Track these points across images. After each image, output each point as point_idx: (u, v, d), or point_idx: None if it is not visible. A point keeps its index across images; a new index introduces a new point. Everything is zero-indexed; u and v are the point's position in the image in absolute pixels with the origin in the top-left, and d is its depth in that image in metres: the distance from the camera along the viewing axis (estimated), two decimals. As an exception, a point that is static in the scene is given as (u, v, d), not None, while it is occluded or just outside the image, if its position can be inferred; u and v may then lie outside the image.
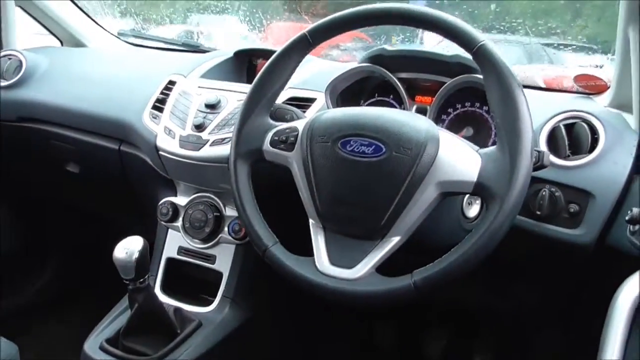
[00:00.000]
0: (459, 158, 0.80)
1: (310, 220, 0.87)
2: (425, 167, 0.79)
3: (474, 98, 1.13)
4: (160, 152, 1.20)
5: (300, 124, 0.91)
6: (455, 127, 1.14)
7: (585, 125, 1.00)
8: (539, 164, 0.80)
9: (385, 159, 0.80)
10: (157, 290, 1.24)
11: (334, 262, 0.83)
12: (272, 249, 0.86)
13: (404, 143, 0.80)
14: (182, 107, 1.23)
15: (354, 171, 0.82)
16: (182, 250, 1.26)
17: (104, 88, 1.47)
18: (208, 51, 1.59)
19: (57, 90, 1.51)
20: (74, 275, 1.97)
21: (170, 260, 1.26)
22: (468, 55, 0.85)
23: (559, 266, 1.07)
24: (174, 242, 1.26)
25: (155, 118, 1.27)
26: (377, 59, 1.16)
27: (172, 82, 1.33)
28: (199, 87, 1.28)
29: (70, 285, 1.96)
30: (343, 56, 8.05)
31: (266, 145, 0.92)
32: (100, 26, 1.89)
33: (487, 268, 0.77)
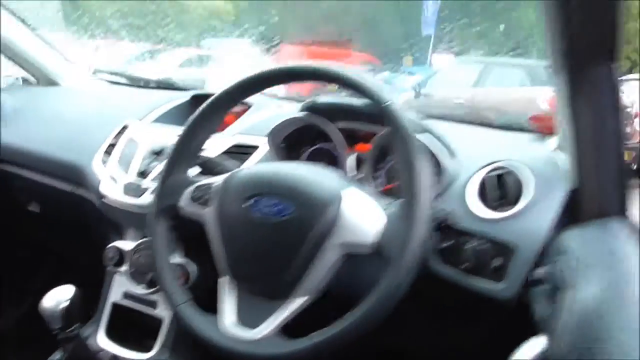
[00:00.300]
0: (361, 218, 0.79)
1: (221, 278, 0.87)
2: (327, 228, 0.79)
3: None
4: (104, 199, 1.22)
5: (218, 180, 0.92)
6: (391, 176, 1.14)
7: (516, 175, 0.99)
8: (444, 224, 0.79)
9: (290, 219, 0.80)
10: (102, 336, 1.24)
11: (241, 321, 0.83)
12: (181, 307, 0.87)
13: (309, 202, 0.80)
14: (128, 153, 1.25)
15: (261, 231, 0.82)
16: (126, 295, 1.26)
17: (65, 129, 1.49)
18: (184, 89, 1.61)
19: (20, 131, 1.55)
20: (23, 319, 1.92)
21: (115, 306, 1.27)
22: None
23: (483, 317, 1.06)
24: (120, 287, 1.27)
25: (104, 163, 1.29)
26: (315, 108, 1.16)
27: (125, 127, 1.35)
28: (148, 132, 1.30)
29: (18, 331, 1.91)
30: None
31: (183, 201, 0.92)
32: (74, 63, 1.92)
33: (417, 312, 0.76)
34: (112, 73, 2.00)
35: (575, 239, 0.83)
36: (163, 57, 10.75)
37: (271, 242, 0.81)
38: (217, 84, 1.77)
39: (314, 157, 1.21)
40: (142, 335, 1.25)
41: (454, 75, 7.51)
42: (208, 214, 0.89)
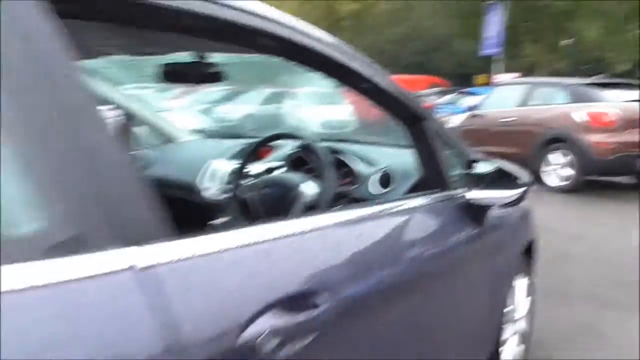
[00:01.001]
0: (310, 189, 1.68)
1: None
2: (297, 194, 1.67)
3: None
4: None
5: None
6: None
7: (390, 174, 1.83)
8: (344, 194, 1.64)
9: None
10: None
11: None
12: None
13: (288, 184, 1.70)
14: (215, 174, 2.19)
15: None
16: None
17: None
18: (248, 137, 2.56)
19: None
20: None
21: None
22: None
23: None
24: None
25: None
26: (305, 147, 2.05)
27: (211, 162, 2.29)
28: (227, 164, 2.24)
29: None
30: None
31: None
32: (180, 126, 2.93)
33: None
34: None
35: None
36: (245, 97, 11.96)
37: None
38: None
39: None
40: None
41: (507, 94, 8.07)
42: None
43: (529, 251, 2.25)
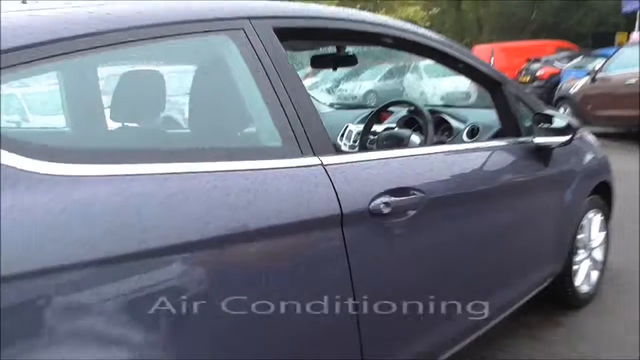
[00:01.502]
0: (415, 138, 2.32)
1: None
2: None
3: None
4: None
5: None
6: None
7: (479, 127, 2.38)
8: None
9: None
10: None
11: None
12: None
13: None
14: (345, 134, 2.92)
15: None
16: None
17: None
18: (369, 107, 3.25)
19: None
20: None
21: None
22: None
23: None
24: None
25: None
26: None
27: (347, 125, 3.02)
28: (356, 127, 2.96)
29: None
30: (544, 68, 9.46)
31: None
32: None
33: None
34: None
35: None
36: (366, 74, 12.79)
37: None
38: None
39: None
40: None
41: (634, 55, 7.84)
42: None
43: (605, 192, 2.71)
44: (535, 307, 2.55)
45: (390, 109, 2.77)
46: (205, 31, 1.30)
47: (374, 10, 32.57)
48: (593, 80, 8.20)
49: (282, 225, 1.22)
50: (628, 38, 15.78)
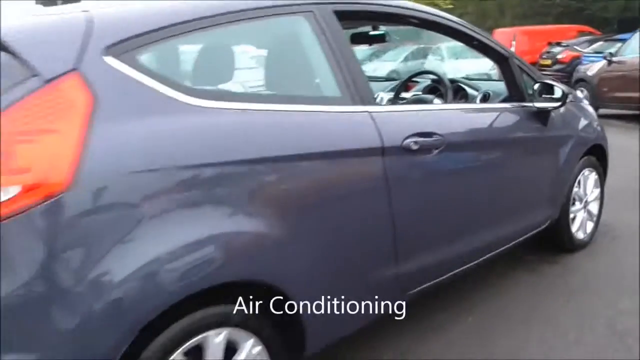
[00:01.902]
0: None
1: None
2: None
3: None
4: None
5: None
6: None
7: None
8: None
9: None
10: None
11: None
12: None
13: None
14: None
15: None
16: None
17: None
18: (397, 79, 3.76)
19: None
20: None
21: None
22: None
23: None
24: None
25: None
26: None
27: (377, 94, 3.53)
28: (385, 94, 3.45)
29: None
30: (565, 51, 9.92)
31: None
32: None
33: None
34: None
35: None
36: (388, 55, 13.25)
37: None
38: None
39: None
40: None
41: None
42: None
43: (600, 155, 3.17)
44: (535, 249, 3.05)
45: (416, 79, 3.25)
46: (287, 13, 1.82)
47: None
48: (609, 63, 8.52)
49: (340, 151, 1.74)
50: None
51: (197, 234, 1.42)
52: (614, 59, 8.47)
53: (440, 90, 2.92)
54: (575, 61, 12.47)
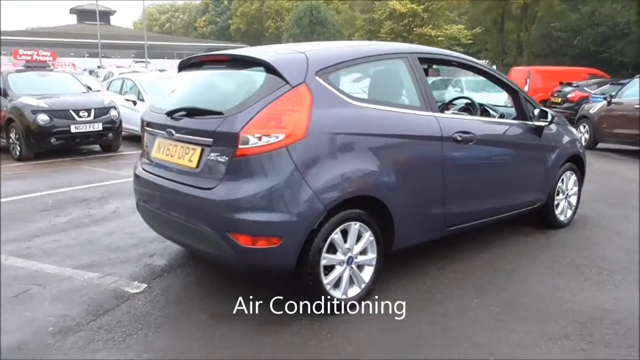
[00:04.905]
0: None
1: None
2: None
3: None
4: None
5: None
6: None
7: None
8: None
9: None
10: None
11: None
12: None
13: None
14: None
15: None
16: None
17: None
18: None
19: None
20: None
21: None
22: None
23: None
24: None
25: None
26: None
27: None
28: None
29: None
30: (575, 92, 11.71)
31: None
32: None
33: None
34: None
35: None
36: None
37: None
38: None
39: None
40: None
41: (646, 86, 9.47)
42: None
43: (579, 162, 4.55)
44: (528, 224, 4.43)
45: (455, 102, 4.67)
46: (394, 58, 3.27)
47: (421, 25, 34.57)
48: (609, 103, 9.88)
49: (420, 135, 3.16)
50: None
51: (352, 168, 2.82)
52: (614, 100, 9.83)
53: (471, 110, 4.33)
54: (583, 101, 13.80)
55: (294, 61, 2.87)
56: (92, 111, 8.81)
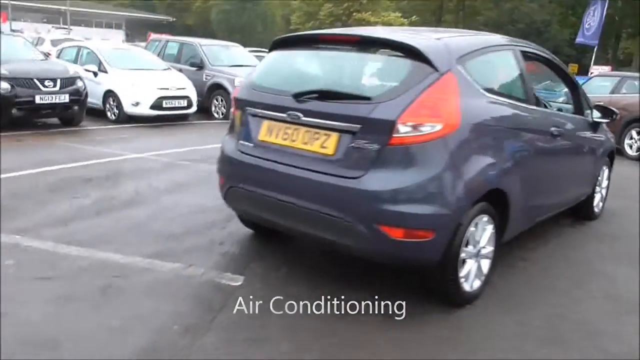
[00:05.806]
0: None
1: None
2: None
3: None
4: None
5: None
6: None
7: None
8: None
9: None
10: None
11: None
12: None
13: None
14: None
15: None
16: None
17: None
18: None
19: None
20: None
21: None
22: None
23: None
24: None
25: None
26: None
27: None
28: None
29: None
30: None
31: None
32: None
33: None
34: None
35: None
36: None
37: None
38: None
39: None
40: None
41: (603, 84, 10.18)
42: None
43: (611, 156, 4.80)
44: (568, 218, 4.62)
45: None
46: (504, 49, 3.24)
47: (360, 11, 34.64)
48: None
49: (536, 129, 3.22)
50: (577, 71, 18.44)
51: (491, 160, 2.78)
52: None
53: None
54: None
55: (438, 47, 2.76)
56: (58, 81, 8.00)
